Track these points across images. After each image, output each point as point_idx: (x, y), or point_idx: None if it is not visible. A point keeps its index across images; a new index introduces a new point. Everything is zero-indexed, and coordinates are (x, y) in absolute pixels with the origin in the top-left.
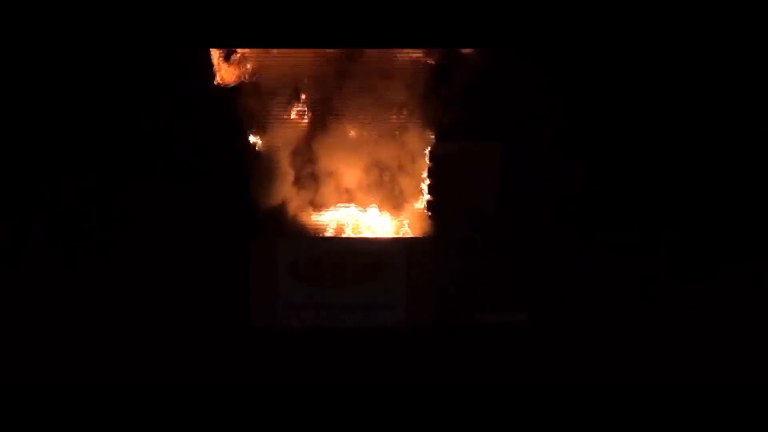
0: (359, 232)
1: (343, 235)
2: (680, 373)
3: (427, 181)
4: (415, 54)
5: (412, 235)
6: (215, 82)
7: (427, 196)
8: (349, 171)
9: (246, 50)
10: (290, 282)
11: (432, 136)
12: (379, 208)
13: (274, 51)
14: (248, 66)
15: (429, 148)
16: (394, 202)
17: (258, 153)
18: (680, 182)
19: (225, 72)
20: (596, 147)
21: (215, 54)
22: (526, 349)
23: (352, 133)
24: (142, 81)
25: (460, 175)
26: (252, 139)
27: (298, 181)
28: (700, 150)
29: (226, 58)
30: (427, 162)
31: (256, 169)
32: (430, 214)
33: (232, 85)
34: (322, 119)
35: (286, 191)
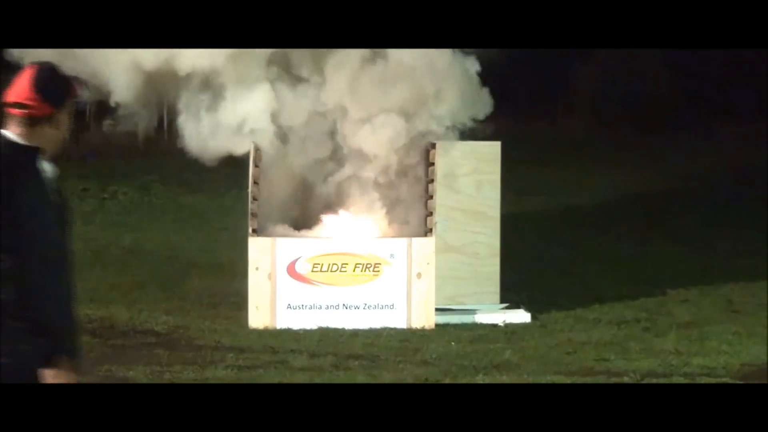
0: (359, 233)
1: (343, 235)
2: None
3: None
4: None
5: (412, 235)
6: None
7: (426, 196)
8: None
9: None
10: (290, 282)
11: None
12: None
13: None
14: None
15: (429, 148)
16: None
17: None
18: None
19: None
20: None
21: None
22: (526, 348)
23: None
24: None
25: (460, 175)
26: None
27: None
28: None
29: None
30: (429, 161)
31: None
32: (430, 213)
33: None
34: None
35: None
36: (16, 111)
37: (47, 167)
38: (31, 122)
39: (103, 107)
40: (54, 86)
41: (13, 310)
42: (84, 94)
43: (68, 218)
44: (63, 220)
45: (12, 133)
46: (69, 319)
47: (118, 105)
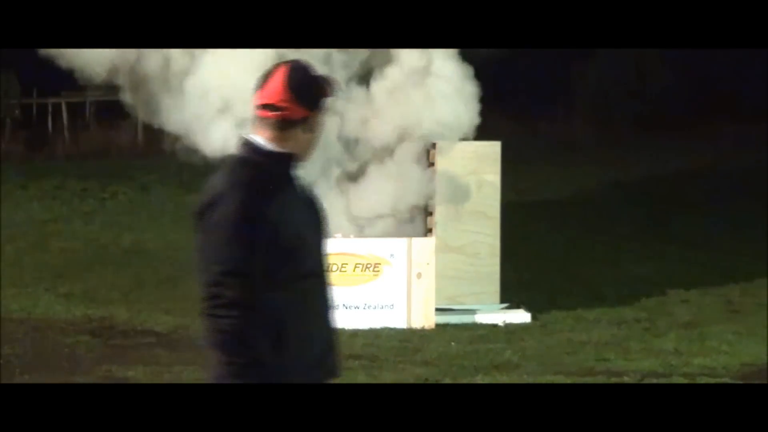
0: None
1: (343, 236)
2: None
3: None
4: None
5: (412, 235)
6: None
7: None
8: None
9: None
10: None
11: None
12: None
13: None
14: None
15: (428, 148)
16: None
17: None
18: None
19: None
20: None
21: None
22: (526, 348)
23: None
24: None
25: (460, 175)
26: None
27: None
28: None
29: None
30: (429, 161)
31: None
32: (430, 213)
33: None
34: None
35: None
36: (268, 114)
37: (300, 175)
38: (284, 126)
39: (103, 107)
40: (309, 87)
41: (232, 345)
42: (336, 95)
43: (326, 229)
44: (320, 231)
45: (263, 138)
46: (325, 342)
47: (123, 103)
